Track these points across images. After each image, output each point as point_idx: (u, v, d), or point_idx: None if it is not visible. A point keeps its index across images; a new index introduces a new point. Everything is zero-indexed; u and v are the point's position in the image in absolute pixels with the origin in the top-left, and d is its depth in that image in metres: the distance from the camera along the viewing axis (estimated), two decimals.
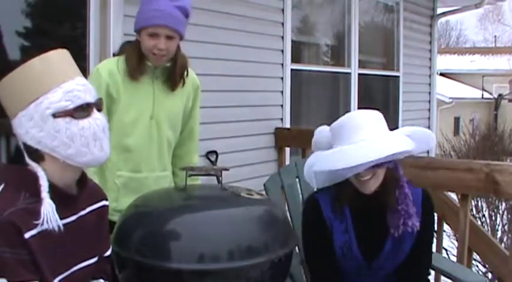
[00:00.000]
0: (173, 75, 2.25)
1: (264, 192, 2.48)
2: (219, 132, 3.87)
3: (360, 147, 1.85)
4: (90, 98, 1.46)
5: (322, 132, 2.09)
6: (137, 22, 2.18)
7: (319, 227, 2.05)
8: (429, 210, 2.10)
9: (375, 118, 1.95)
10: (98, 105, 1.48)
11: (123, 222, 1.90)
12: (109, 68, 2.18)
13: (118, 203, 2.17)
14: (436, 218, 4.19)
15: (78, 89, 1.43)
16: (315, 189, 2.23)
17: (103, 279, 1.65)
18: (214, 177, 2.05)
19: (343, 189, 2.02)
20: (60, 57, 1.48)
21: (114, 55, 2.43)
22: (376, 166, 1.90)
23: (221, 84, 3.88)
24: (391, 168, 1.99)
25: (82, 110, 1.43)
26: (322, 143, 2.06)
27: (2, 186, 1.42)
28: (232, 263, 1.72)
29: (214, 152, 3.80)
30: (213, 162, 3.78)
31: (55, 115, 1.40)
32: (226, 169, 2.07)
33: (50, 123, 1.40)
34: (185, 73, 2.29)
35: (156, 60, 2.19)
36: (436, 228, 3.86)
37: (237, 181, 3.00)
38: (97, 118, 1.46)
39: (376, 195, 1.98)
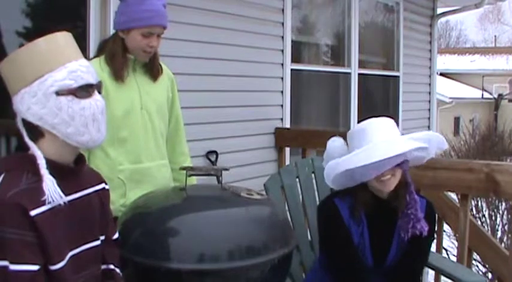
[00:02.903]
0: (154, 66, 2.33)
1: (264, 192, 2.48)
2: (219, 132, 3.87)
3: (384, 145, 2.00)
4: (92, 79, 1.51)
5: (334, 141, 2.21)
6: (128, 22, 2.22)
7: (341, 228, 2.11)
8: (431, 220, 2.20)
9: (390, 124, 2.12)
10: (98, 87, 1.54)
11: (123, 222, 1.90)
12: (94, 69, 2.22)
13: (126, 198, 2.19)
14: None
15: (81, 69, 1.49)
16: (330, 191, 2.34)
17: (113, 265, 1.65)
18: (214, 177, 2.05)
19: (359, 195, 2.11)
20: (65, 39, 1.52)
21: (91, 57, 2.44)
22: (396, 165, 2.03)
23: (221, 84, 3.88)
24: (403, 173, 2.11)
25: (84, 90, 1.48)
26: (336, 152, 2.16)
27: (3, 174, 1.44)
28: (232, 263, 1.73)
29: (214, 152, 3.80)
30: (213, 162, 3.78)
31: (58, 93, 1.44)
32: (226, 169, 2.08)
33: (53, 100, 1.44)
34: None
35: (144, 57, 2.27)
36: (436, 229, 3.88)
37: (237, 181, 3.00)
38: (97, 99, 1.51)
39: (389, 199, 2.12)
